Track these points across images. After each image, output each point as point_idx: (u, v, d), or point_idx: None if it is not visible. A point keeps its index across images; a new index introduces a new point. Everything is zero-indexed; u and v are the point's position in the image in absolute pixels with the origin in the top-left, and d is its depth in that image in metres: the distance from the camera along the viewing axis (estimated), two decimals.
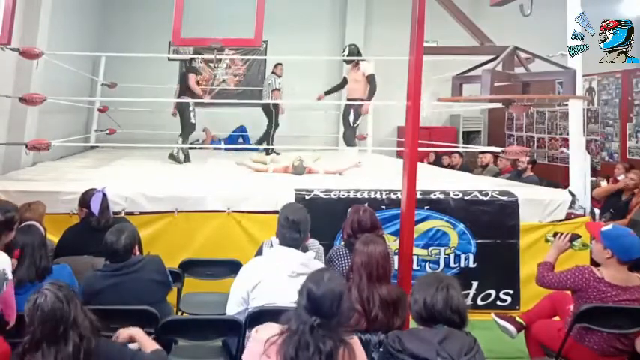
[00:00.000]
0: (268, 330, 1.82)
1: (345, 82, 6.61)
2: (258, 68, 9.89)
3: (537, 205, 4.27)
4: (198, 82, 6.53)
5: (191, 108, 6.23)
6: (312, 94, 8.57)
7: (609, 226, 2.83)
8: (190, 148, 8.21)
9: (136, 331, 2.06)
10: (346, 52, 6.42)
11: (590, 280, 2.64)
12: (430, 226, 4.11)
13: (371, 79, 6.09)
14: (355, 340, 1.84)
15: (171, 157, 6.13)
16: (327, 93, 6.90)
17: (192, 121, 6.27)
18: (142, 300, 2.44)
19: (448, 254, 4.13)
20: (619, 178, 5.61)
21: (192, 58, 7.01)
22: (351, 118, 6.21)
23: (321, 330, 1.73)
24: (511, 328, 3.02)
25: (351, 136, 6.32)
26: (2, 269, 2.24)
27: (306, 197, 4.07)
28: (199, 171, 5.68)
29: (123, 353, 1.93)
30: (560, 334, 2.73)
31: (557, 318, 3.05)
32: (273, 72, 7.93)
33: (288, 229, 2.52)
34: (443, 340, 1.77)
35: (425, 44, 2.99)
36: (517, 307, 4.04)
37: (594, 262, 2.87)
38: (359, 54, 6.43)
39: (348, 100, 6.35)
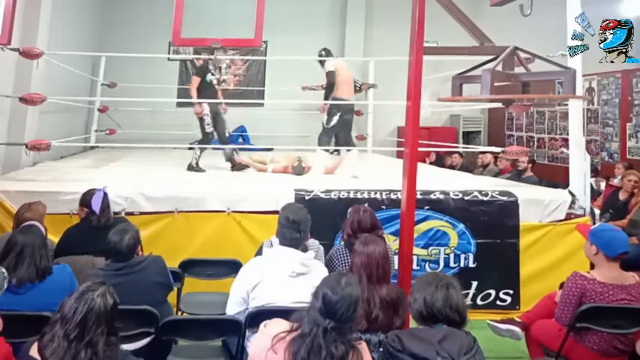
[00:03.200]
0: (277, 326, 1.82)
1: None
2: (258, 68, 9.89)
3: (537, 205, 4.27)
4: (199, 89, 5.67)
5: (206, 114, 5.57)
6: (312, 94, 8.59)
7: (597, 224, 2.83)
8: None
9: None
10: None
11: (585, 285, 2.63)
12: (430, 226, 4.11)
13: (328, 76, 5.68)
14: (363, 346, 1.85)
15: (190, 168, 5.65)
16: (326, 98, 5.97)
17: (208, 130, 5.63)
18: (143, 301, 2.44)
19: (448, 254, 4.13)
20: (616, 179, 5.60)
21: (204, 59, 5.92)
22: (324, 118, 5.79)
23: (334, 334, 1.73)
24: (517, 329, 3.00)
25: (322, 138, 5.79)
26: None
27: (306, 197, 4.07)
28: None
29: None
30: (560, 334, 2.72)
31: None
32: None
33: (288, 229, 2.52)
34: (442, 340, 1.77)
35: (425, 44, 2.99)
36: (517, 307, 4.04)
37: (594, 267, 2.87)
38: (327, 56, 6.00)
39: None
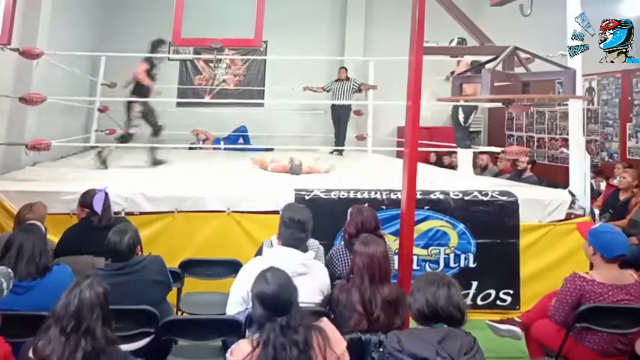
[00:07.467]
0: (241, 348, 1.83)
1: None
2: (258, 68, 9.89)
3: (537, 205, 4.27)
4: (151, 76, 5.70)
5: (139, 110, 5.52)
6: (312, 93, 8.59)
7: (597, 224, 2.83)
8: (191, 148, 8.25)
9: None
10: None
11: (585, 286, 2.63)
12: (430, 226, 4.11)
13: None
14: (325, 322, 1.90)
15: (155, 163, 5.58)
16: None
17: (132, 131, 5.60)
18: (143, 300, 2.45)
19: (448, 254, 4.13)
20: (616, 179, 5.60)
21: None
22: (461, 117, 5.73)
23: (291, 323, 1.79)
24: (517, 329, 3.00)
25: (462, 138, 5.82)
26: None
27: (306, 197, 4.07)
28: (199, 171, 5.67)
29: None
30: (560, 334, 2.72)
31: None
32: None
33: (294, 229, 2.53)
34: (442, 340, 1.77)
35: (425, 44, 2.99)
36: (517, 307, 4.04)
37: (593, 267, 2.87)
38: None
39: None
